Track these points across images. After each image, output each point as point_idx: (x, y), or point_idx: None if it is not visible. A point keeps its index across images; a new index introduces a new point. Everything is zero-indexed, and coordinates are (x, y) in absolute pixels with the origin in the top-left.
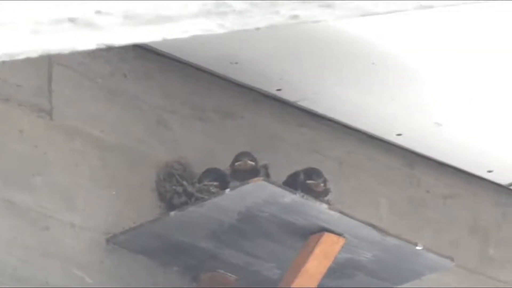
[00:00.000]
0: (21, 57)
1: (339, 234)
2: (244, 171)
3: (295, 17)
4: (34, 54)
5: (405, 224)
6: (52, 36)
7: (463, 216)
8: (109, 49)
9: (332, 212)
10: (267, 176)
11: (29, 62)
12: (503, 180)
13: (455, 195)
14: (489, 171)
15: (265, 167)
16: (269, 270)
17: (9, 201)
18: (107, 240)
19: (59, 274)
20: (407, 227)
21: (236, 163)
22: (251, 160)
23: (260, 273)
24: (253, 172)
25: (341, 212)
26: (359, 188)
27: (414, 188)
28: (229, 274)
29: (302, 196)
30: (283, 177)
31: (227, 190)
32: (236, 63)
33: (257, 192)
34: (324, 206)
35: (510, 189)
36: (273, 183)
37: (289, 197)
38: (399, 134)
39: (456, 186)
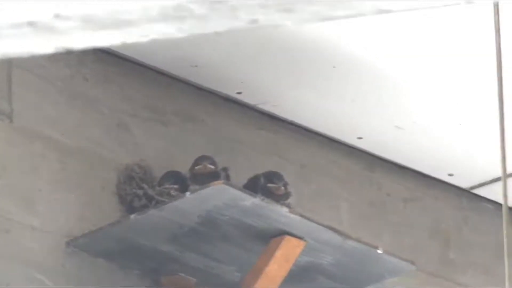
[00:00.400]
0: None
1: (300, 238)
2: (204, 174)
3: (254, 21)
4: None
5: (365, 227)
6: (11, 40)
7: (424, 220)
8: (69, 52)
9: (293, 216)
10: (227, 179)
11: None
12: (464, 183)
13: (415, 199)
14: (450, 175)
15: (225, 170)
16: (229, 273)
17: None
18: (67, 243)
19: (20, 277)
20: (368, 231)
21: (196, 167)
22: (210, 164)
23: (221, 276)
24: (213, 176)
25: (302, 216)
26: (320, 192)
27: (375, 192)
28: (190, 277)
29: (263, 200)
30: (244, 180)
31: (188, 193)
32: (196, 66)
33: (217, 195)
34: (285, 209)
35: (471, 193)
36: (233, 186)
37: (250, 201)
38: (360, 138)
39: (417, 190)
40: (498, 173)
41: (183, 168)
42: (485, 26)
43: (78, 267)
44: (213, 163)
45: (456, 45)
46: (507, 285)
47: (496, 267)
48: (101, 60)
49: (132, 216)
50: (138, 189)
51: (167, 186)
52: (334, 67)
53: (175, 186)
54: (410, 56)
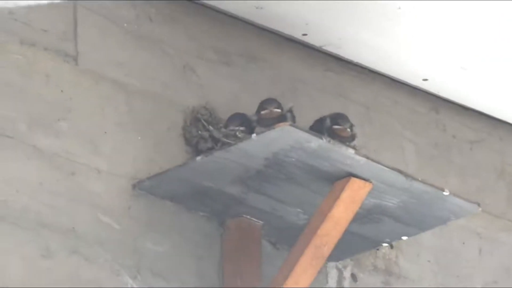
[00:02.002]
0: (45, 2)
1: (366, 180)
2: (270, 118)
3: None
4: None
5: (431, 169)
6: None
7: (490, 161)
8: None
9: (358, 157)
10: (293, 120)
11: (54, 6)
12: None
13: (481, 140)
14: None
15: (291, 111)
16: (295, 215)
17: (34, 146)
18: (134, 186)
19: (85, 220)
20: (434, 172)
21: (262, 112)
22: (276, 108)
23: (286, 218)
24: (280, 119)
25: (367, 158)
26: (385, 133)
27: (440, 133)
28: (255, 220)
29: (329, 141)
30: (308, 122)
31: (253, 136)
32: (262, 8)
33: (283, 137)
34: (351, 151)
35: None
36: (299, 128)
37: (316, 142)
38: (425, 79)
39: (482, 131)
40: None
41: (249, 109)
42: None
43: (144, 210)
44: (279, 106)
45: None
46: None
47: None
48: (166, 0)
49: (198, 158)
50: (204, 131)
51: (233, 128)
52: (399, 8)
53: (242, 128)
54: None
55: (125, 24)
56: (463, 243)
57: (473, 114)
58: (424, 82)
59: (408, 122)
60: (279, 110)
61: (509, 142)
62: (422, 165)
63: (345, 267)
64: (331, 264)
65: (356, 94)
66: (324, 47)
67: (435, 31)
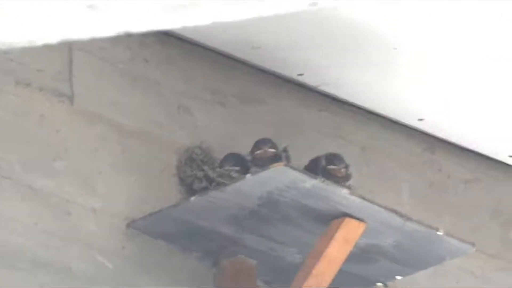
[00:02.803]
0: (40, 43)
1: (360, 219)
2: (265, 158)
3: (314, 3)
4: (53, 41)
5: (426, 209)
6: (71, 24)
7: (485, 201)
8: (130, 35)
9: (353, 197)
10: (288, 160)
11: (49, 47)
12: None
13: (476, 180)
14: (511, 156)
15: (286, 151)
16: (290, 255)
17: (29, 186)
18: (128, 225)
19: (80, 259)
20: (429, 212)
21: (257, 152)
22: (271, 147)
23: (281, 258)
24: (274, 160)
25: (362, 197)
26: (381, 173)
27: (436, 173)
28: (250, 259)
29: (323, 181)
30: (304, 162)
31: (248, 175)
32: (258, 47)
33: (278, 177)
34: (345, 191)
35: None
36: (294, 168)
37: (310, 182)
38: (421, 119)
39: (477, 171)
40: None
41: (244, 149)
42: None
43: (138, 249)
44: (274, 146)
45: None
46: None
47: None
48: (162, 42)
49: (193, 198)
50: (198, 171)
51: (228, 168)
52: (395, 48)
53: (236, 168)
54: (471, 39)
55: (121, 65)
56: (457, 282)
57: (468, 154)
58: (420, 122)
59: (404, 162)
60: (273, 150)
61: (503, 182)
62: (417, 205)
63: None
64: None
65: (352, 134)
66: (320, 87)
67: (431, 71)
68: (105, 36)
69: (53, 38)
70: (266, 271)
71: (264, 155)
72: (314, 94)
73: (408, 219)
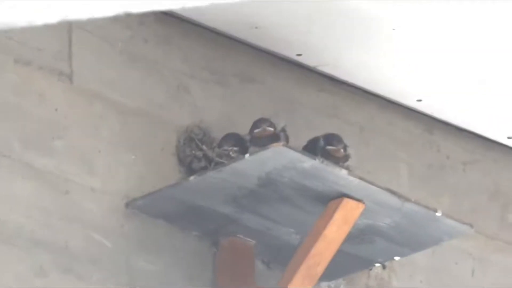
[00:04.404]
0: (40, 23)
1: (359, 200)
2: (263, 137)
3: None
4: (53, 21)
5: (424, 189)
6: (71, 3)
7: (483, 182)
8: (130, 14)
9: (351, 178)
10: (286, 140)
11: (49, 26)
12: None
13: (475, 161)
14: (509, 138)
15: (284, 130)
16: (288, 235)
17: (28, 164)
18: (127, 205)
19: (79, 238)
20: (427, 193)
21: (255, 130)
22: (269, 126)
23: (279, 238)
24: (273, 138)
25: (360, 178)
26: (380, 154)
27: (434, 154)
28: (248, 239)
29: (322, 162)
30: (303, 142)
31: (247, 155)
32: (257, 27)
33: (277, 157)
34: (344, 171)
35: None
36: (293, 148)
37: (309, 163)
38: (419, 100)
39: (476, 152)
40: None
41: (242, 129)
42: None
43: (137, 229)
44: (272, 125)
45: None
46: None
47: None
48: (161, 21)
49: (192, 177)
50: (197, 151)
51: (226, 147)
52: (394, 29)
53: (235, 148)
54: (471, 20)
55: (120, 44)
56: (456, 263)
57: (467, 135)
58: (418, 103)
59: (402, 143)
60: (272, 129)
61: (502, 163)
62: (415, 186)
63: (337, 286)
64: (324, 283)
65: (350, 115)
66: (318, 67)
67: (429, 52)
68: (104, 16)
69: (53, 18)
70: (264, 251)
71: (262, 133)
72: (313, 74)
73: (407, 200)
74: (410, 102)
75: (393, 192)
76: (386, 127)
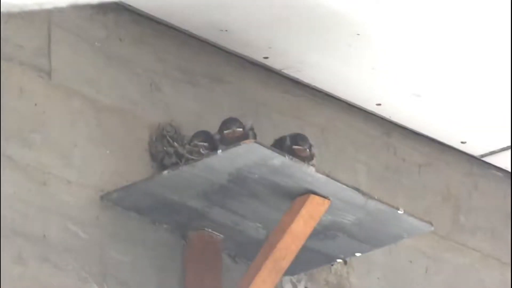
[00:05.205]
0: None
1: (325, 197)
2: (234, 138)
3: None
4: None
5: (381, 190)
6: None
7: (437, 184)
8: (106, 14)
9: (319, 175)
10: (254, 138)
11: (30, 24)
12: (476, 151)
13: (429, 164)
14: (463, 142)
15: (252, 129)
16: (255, 230)
17: (9, 157)
18: (102, 197)
19: (55, 228)
20: (384, 193)
21: (225, 131)
22: (239, 127)
23: (246, 232)
24: (242, 139)
25: (327, 176)
26: (339, 154)
27: (391, 156)
28: (216, 233)
29: (291, 159)
30: (267, 141)
31: (219, 151)
32: (226, 30)
33: (248, 154)
34: (312, 169)
35: (481, 160)
36: (263, 145)
37: (279, 160)
38: (379, 104)
39: (430, 156)
40: (508, 142)
41: (212, 128)
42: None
43: (111, 220)
44: (241, 125)
45: (472, 21)
46: None
47: (503, 230)
48: (136, 22)
49: (165, 172)
50: (169, 147)
51: (196, 142)
52: (358, 34)
53: (205, 144)
54: (431, 27)
55: (96, 43)
56: (410, 261)
57: (422, 139)
58: (377, 106)
59: (361, 145)
60: (241, 130)
61: (454, 166)
62: (373, 186)
63: (299, 281)
64: (286, 278)
65: (312, 116)
66: (283, 70)
67: (389, 58)
68: (80, 3)
69: (30, 2)
70: (231, 245)
71: (233, 134)
72: (278, 77)
73: (370, 197)
74: (370, 106)
75: (357, 190)
76: (346, 129)
